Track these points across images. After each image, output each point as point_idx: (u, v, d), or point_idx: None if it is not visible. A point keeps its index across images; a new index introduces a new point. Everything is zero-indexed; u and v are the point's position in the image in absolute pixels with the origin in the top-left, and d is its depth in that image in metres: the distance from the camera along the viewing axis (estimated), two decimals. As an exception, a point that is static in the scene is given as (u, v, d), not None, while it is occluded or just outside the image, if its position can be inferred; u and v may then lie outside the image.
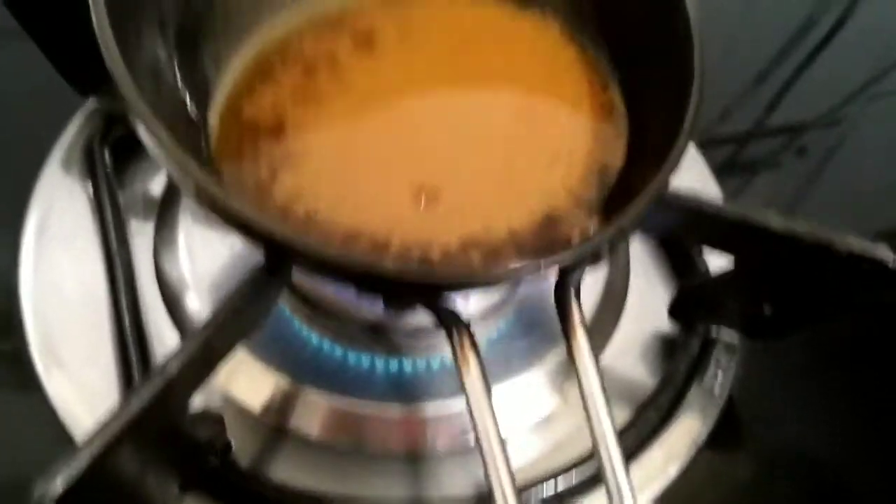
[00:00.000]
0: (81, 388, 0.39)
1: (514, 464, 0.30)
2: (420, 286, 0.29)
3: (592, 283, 0.45)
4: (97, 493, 0.27)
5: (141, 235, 0.44)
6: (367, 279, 0.29)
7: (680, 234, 0.41)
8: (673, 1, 0.36)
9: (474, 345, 0.30)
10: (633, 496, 0.31)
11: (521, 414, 0.41)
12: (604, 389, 0.31)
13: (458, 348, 0.29)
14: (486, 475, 0.29)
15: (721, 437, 0.42)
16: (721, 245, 0.38)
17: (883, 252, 0.34)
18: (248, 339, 0.37)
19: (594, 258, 0.32)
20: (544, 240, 0.35)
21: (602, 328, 0.44)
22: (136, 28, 0.33)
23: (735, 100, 0.67)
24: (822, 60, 0.71)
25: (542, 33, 0.42)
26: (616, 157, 0.38)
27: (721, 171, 0.61)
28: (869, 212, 0.60)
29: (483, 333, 0.42)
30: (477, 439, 0.29)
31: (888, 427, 0.46)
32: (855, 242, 0.34)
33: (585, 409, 0.31)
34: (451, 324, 0.30)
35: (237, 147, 0.35)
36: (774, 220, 0.35)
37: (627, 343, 0.44)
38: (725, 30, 0.72)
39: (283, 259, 0.30)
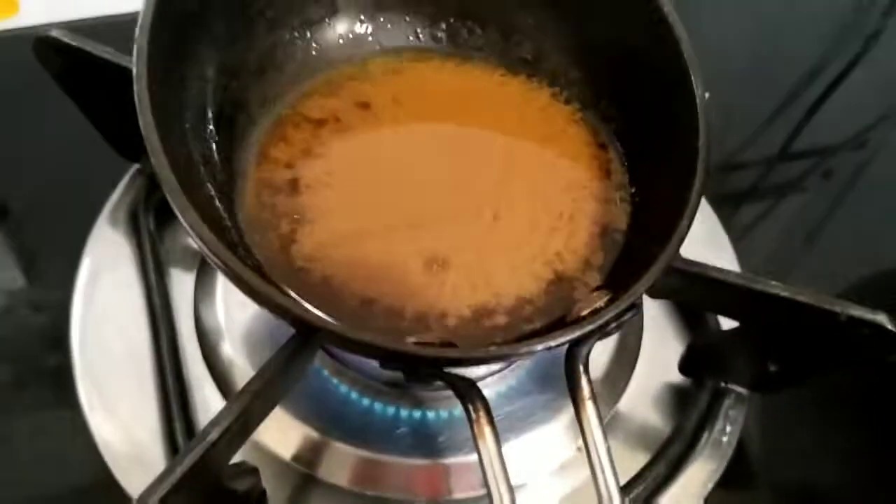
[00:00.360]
0: (125, 435, 0.42)
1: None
2: (436, 363, 0.32)
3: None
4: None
5: (182, 284, 0.47)
6: (390, 357, 0.32)
7: (685, 300, 0.43)
8: (679, 78, 0.38)
9: (490, 418, 0.32)
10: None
11: (540, 462, 0.43)
12: (611, 459, 0.33)
13: (474, 421, 0.32)
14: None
15: (732, 476, 0.44)
16: (726, 312, 0.40)
17: (882, 318, 0.36)
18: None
19: (602, 333, 0.34)
20: (554, 301, 0.38)
21: (616, 379, 0.46)
22: (180, 114, 0.36)
23: (761, 124, 0.68)
24: (847, 85, 0.73)
25: (533, 96, 0.45)
26: (620, 220, 0.40)
27: (748, 195, 0.63)
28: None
29: (504, 384, 0.44)
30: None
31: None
32: (855, 309, 0.36)
33: (593, 475, 0.33)
34: (467, 396, 0.32)
35: (261, 210, 0.38)
36: (778, 288, 0.37)
37: (641, 393, 0.46)
38: (753, 54, 0.73)
39: (313, 335, 0.33)
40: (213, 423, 0.31)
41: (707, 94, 0.40)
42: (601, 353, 0.46)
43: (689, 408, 0.45)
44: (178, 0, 0.34)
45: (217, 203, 0.36)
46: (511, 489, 0.31)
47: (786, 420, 0.48)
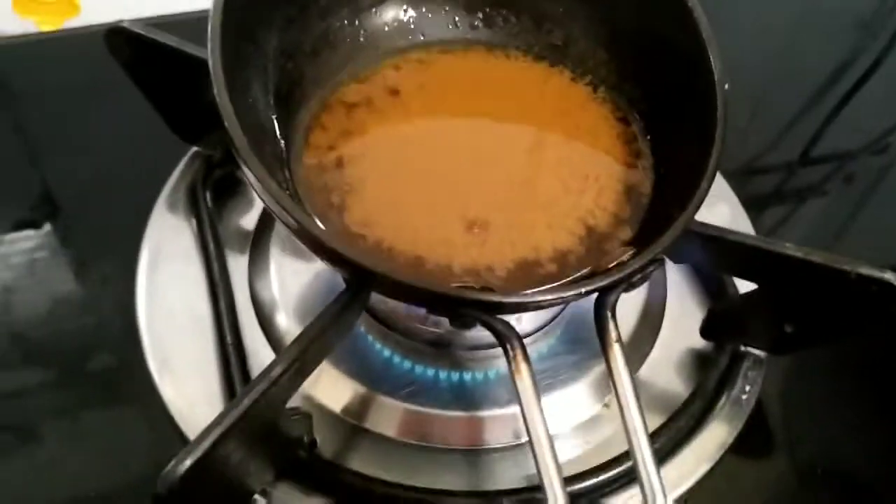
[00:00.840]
0: (190, 392, 0.45)
1: (561, 459, 0.35)
2: (478, 307, 0.35)
3: (633, 305, 0.50)
4: (209, 477, 0.32)
5: (237, 263, 0.51)
6: (435, 301, 0.35)
7: (705, 262, 0.46)
8: (698, 57, 0.42)
9: (526, 356, 0.35)
10: (664, 491, 0.36)
11: (568, 417, 0.46)
12: (637, 398, 0.36)
13: (512, 359, 0.35)
14: (537, 468, 0.34)
15: (750, 441, 0.46)
16: (743, 273, 0.43)
17: (889, 276, 0.39)
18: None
19: (628, 284, 0.37)
20: (592, 252, 0.41)
21: (640, 345, 0.49)
22: (246, 91, 0.40)
23: (783, 129, 0.70)
24: (868, 88, 0.74)
25: (554, 79, 0.49)
26: (644, 183, 0.44)
27: (769, 200, 0.64)
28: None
29: (535, 350, 0.47)
30: (529, 437, 0.34)
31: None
32: (864, 268, 0.39)
33: (621, 414, 0.36)
34: (506, 338, 0.35)
35: (313, 182, 0.42)
36: (792, 250, 0.40)
37: (664, 357, 0.49)
38: (773, 59, 0.76)
39: (365, 284, 0.36)
40: (276, 362, 0.35)
41: (727, 85, 0.43)
42: (628, 319, 0.49)
43: (710, 370, 0.48)
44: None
45: (275, 171, 0.40)
46: (543, 413, 0.34)
47: (805, 385, 0.51)
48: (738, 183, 0.63)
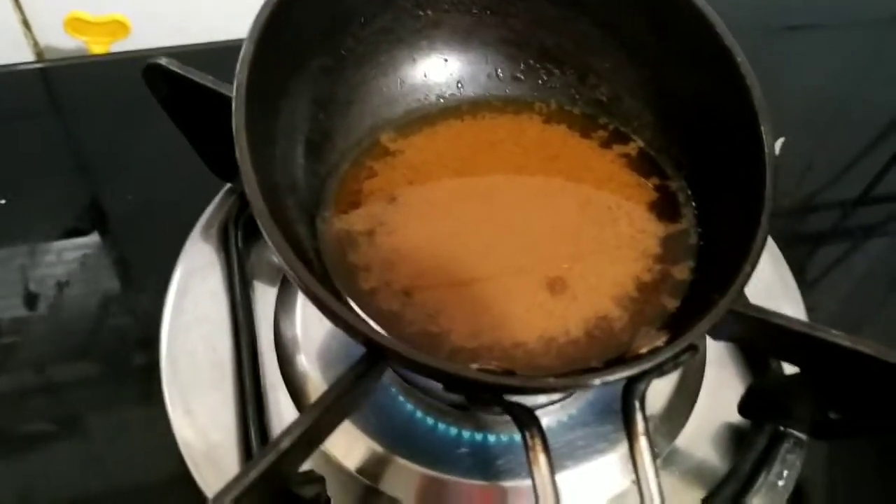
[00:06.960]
0: (202, 429, 0.44)
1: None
2: (496, 389, 0.33)
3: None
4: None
5: (265, 296, 0.50)
6: (452, 381, 0.34)
7: (746, 342, 0.43)
8: (748, 128, 0.39)
9: (545, 446, 0.33)
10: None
11: (595, 492, 0.44)
12: (661, 494, 0.34)
13: (530, 448, 0.33)
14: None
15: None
16: (787, 357, 0.40)
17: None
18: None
19: (659, 372, 0.35)
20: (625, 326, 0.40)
21: (675, 415, 0.47)
22: (273, 143, 0.38)
23: (844, 167, 0.67)
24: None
25: (584, 145, 0.47)
26: (685, 255, 0.42)
27: (827, 238, 0.63)
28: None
29: (563, 415, 0.46)
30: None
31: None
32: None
33: (642, 508, 0.34)
34: (524, 423, 0.34)
35: (341, 241, 0.41)
36: (840, 338, 0.37)
37: (699, 430, 0.46)
38: (838, 97, 0.73)
39: (380, 356, 0.35)
40: (286, 432, 0.34)
41: (782, 139, 0.40)
42: (662, 388, 0.47)
43: (747, 449, 0.45)
44: (277, 37, 0.37)
45: (299, 226, 0.39)
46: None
47: (848, 472, 0.48)
48: (794, 220, 0.62)
